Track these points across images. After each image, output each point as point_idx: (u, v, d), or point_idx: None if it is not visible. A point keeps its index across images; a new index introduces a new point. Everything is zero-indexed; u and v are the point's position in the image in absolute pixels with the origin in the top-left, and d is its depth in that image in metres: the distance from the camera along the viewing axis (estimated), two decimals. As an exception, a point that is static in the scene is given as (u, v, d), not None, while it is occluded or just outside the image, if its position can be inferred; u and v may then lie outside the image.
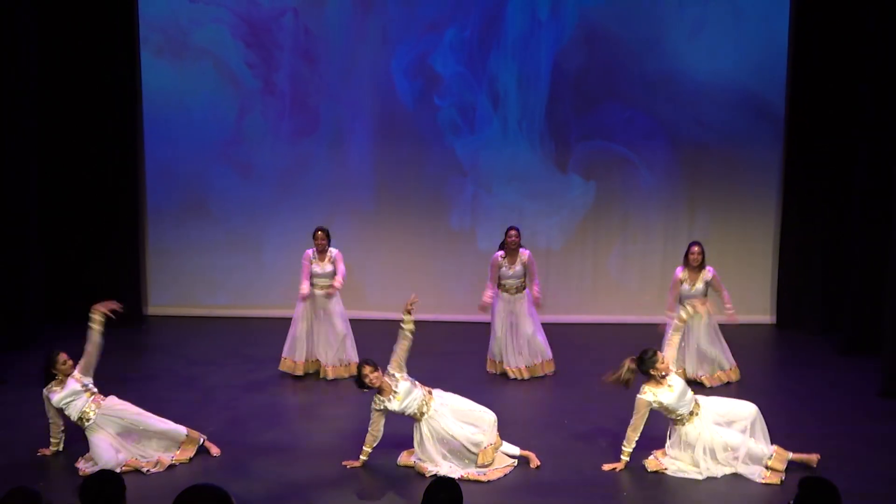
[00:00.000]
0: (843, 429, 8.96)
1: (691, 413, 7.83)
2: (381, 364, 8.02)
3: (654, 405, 7.79)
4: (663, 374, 7.81)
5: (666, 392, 7.78)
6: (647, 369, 7.84)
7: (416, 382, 8.02)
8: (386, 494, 7.45)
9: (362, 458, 7.93)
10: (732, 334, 10.64)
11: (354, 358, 10.48)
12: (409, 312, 8.08)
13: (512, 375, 10.50)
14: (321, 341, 10.47)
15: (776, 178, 12.71)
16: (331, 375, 10.45)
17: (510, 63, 12.67)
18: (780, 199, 12.66)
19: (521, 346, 10.49)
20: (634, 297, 12.92)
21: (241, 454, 8.25)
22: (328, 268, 10.43)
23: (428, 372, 10.37)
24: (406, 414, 7.91)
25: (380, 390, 7.88)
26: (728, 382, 10.26)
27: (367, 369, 7.88)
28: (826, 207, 12.16)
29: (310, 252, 10.50)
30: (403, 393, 7.87)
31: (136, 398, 9.63)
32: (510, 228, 10.47)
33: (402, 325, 8.09)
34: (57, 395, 8.04)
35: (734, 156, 12.71)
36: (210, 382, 10.28)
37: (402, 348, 8.06)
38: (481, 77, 12.72)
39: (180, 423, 8.92)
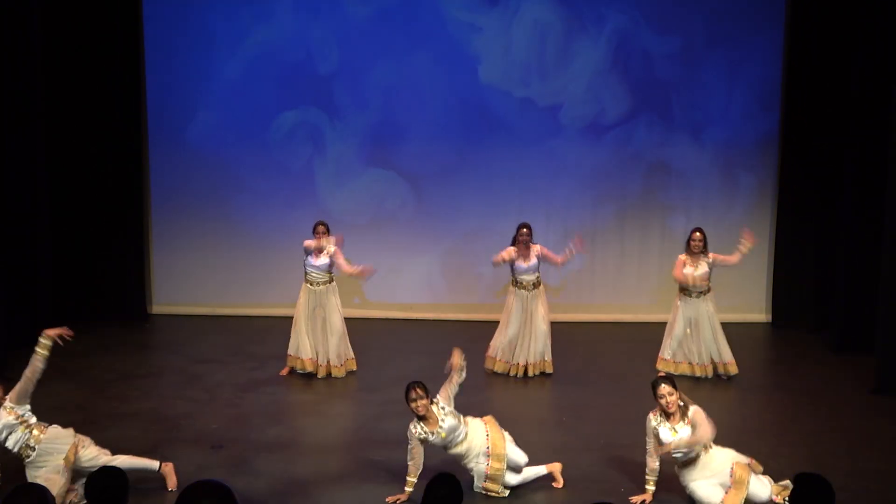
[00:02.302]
0: (836, 425, 9.05)
1: (689, 463, 7.30)
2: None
3: (654, 431, 7.31)
4: (669, 411, 7.28)
5: (667, 432, 7.29)
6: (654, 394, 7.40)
7: (461, 417, 7.56)
8: (387, 490, 7.52)
9: (407, 489, 7.36)
10: (729, 332, 10.72)
11: (351, 354, 10.62)
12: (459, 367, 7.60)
13: (513, 372, 10.58)
14: (320, 339, 10.53)
15: (772, 178, 12.80)
16: (334, 374, 10.54)
17: (527, 73, 12.80)
18: (776, 198, 12.74)
19: (531, 344, 10.55)
20: (632, 296, 13.01)
21: (244, 451, 8.31)
22: (324, 260, 10.45)
23: (427, 371, 10.49)
24: (449, 449, 7.55)
25: (423, 418, 7.39)
26: (727, 376, 10.35)
27: (415, 393, 7.34)
28: (820, 207, 12.22)
29: (310, 241, 10.46)
30: (448, 430, 7.41)
31: (142, 395, 9.79)
32: (522, 226, 10.46)
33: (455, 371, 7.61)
34: None
35: (730, 156, 12.80)
36: (214, 380, 10.35)
37: (453, 383, 7.57)
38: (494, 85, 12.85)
39: (184, 421, 9.06)
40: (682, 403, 7.34)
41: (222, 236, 13.09)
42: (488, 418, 7.78)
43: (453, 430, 7.43)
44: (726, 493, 7.10)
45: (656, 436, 7.31)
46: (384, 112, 12.87)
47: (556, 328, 10.93)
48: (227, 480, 4.26)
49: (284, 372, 10.57)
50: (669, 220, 12.89)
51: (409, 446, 7.40)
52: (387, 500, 7.36)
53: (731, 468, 7.17)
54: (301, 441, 8.69)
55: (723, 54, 12.62)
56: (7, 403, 7.21)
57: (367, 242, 12.64)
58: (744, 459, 7.29)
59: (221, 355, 11.32)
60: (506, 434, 7.70)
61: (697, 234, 10.36)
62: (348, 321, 10.77)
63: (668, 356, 10.52)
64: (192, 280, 13.17)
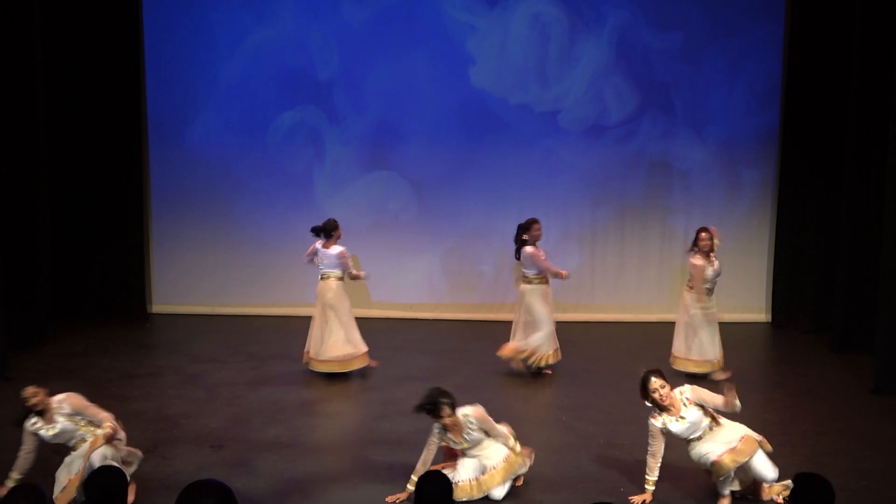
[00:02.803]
0: (836, 425, 9.04)
1: (699, 438, 7.29)
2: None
3: (664, 431, 7.24)
4: (664, 405, 7.20)
5: (676, 423, 7.22)
6: (644, 398, 7.30)
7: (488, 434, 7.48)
8: (387, 490, 7.51)
9: (410, 487, 7.26)
10: (728, 332, 10.72)
11: (354, 351, 10.58)
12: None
13: (531, 361, 10.54)
14: (327, 335, 10.48)
15: (772, 178, 12.80)
16: (337, 369, 10.54)
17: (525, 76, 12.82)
18: (775, 200, 12.74)
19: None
20: (632, 296, 13.00)
21: (244, 450, 8.32)
22: (336, 249, 10.35)
23: (429, 371, 10.51)
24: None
25: (450, 429, 7.37)
26: (711, 373, 10.33)
27: (445, 411, 7.25)
28: (819, 208, 12.24)
29: (316, 244, 10.45)
30: (472, 442, 7.40)
31: (142, 395, 9.79)
32: (534, 222, 10.41)
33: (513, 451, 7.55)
34: (49, 433, 7.20)
35: (731, 155, 12.81)
36: (214, 380, 10.35)
37: (494, 434, 7.52)
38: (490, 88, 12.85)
39: (184, 420, 9.06)
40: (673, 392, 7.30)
41: (222, 236, 13.11)
42: (525, 450, 7.63)
43: (476, 442, 7.44)
44: (725, 451, 7.09)
45: (668, 433, 7.23)
46: (384, 114, 12.88)
47: (557, 328, 10.90)
48: (227, 480, 4.25)
49: (371, 362, 10.53)
50: (670, 219, 12.90)
51: (427, 446, 7.35)
52: (386, 499, 7.36)
53: (741, 437, 7.16)
54: (301, 441, 8.68)
55: (723, 52, 12.63)
56: (66, 409, 7.23)
57: (368, 244, 12.65)
58: (755, 435, 7.26)
59: (221, 355, 11.32)
60: (514, 477, 7.55)
61: (704, 233, 10.32)
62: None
63: (678, 353, 10.49)
64: (191, 280, 13.18)
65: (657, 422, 7.26)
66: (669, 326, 10.85)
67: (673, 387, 7.34)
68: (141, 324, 12.75)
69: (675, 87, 12.72)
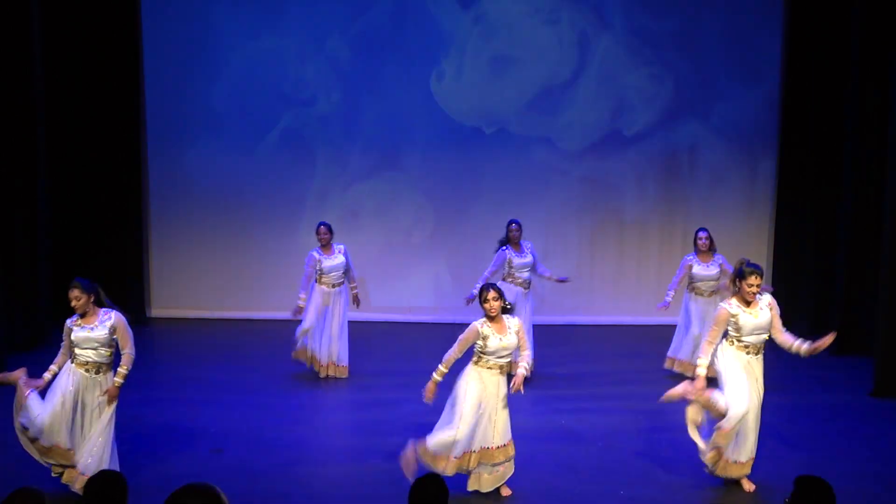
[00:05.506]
0: (835, 428, 9.06)
1: (747, 348, 7.38)
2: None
3: (732, 319, 7.30)
4: (751, 296, 7.27)
5: (748, 315, 7.31)
6: (737, 279, 7.36)
7: (521, 348, 7.38)
8: (387, 492, 7.51)
9: (437, 378, 7.43)
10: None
11: (345, 361, 10.57)
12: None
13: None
14: (324, 338, 10.50)
15: (770, 182, 12.82)
16: (323, 374, 10.53)
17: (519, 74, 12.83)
18: (774, 202, 12.77)
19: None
20: (631, 299, 13.00)
21: (243, 454, 8.32)
22: (338, 259, 10.37)
23: (427, 374, 10.49)
24: (489, 356, 7.27)
25: (492, 319, 7.21)
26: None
27: (490, 294, 7.18)
28: (818, 211, 12.24)
29: (314, 252, 10.40)
30: (509, 345, 7.23)
31: (140, 399, 9.77)
32: (510, 223, 10.43)
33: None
34: (82, 334, 7.38)
35: (729, 159, 12.83)
36: (212, 384, 10.35)
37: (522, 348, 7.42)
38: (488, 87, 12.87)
39: (182, 424, 9.07)
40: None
41: (220, 239, 13.12)
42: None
43: (510, 347, 7.25)
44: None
45: (735, 323, 7.28)
46: (383, 122, 12.91)
47: (556, 330, 10.93)
48: (225, 484, 4.23)
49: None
50: (668, 222, 12.91)
51: (460, 339, 7.30)
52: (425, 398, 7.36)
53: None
54: (300, 444, 8.67)
55: (720, 62, 12.67)
56: (110, 321, 7.38)
57: (368, 243, 12.66)
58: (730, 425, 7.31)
59: (220, 358, 11.33)
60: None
61: (702, 234, 10.38)
62: (351, 323, 10.77)
63: (683, 356, 10.46)
64: (190, 284, 13.17)
65: (732, 308, 7.31)
66: (669, 329, 10.84)
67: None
68: (140, 327, 12.72)
69: (674, 89, 12.75)
